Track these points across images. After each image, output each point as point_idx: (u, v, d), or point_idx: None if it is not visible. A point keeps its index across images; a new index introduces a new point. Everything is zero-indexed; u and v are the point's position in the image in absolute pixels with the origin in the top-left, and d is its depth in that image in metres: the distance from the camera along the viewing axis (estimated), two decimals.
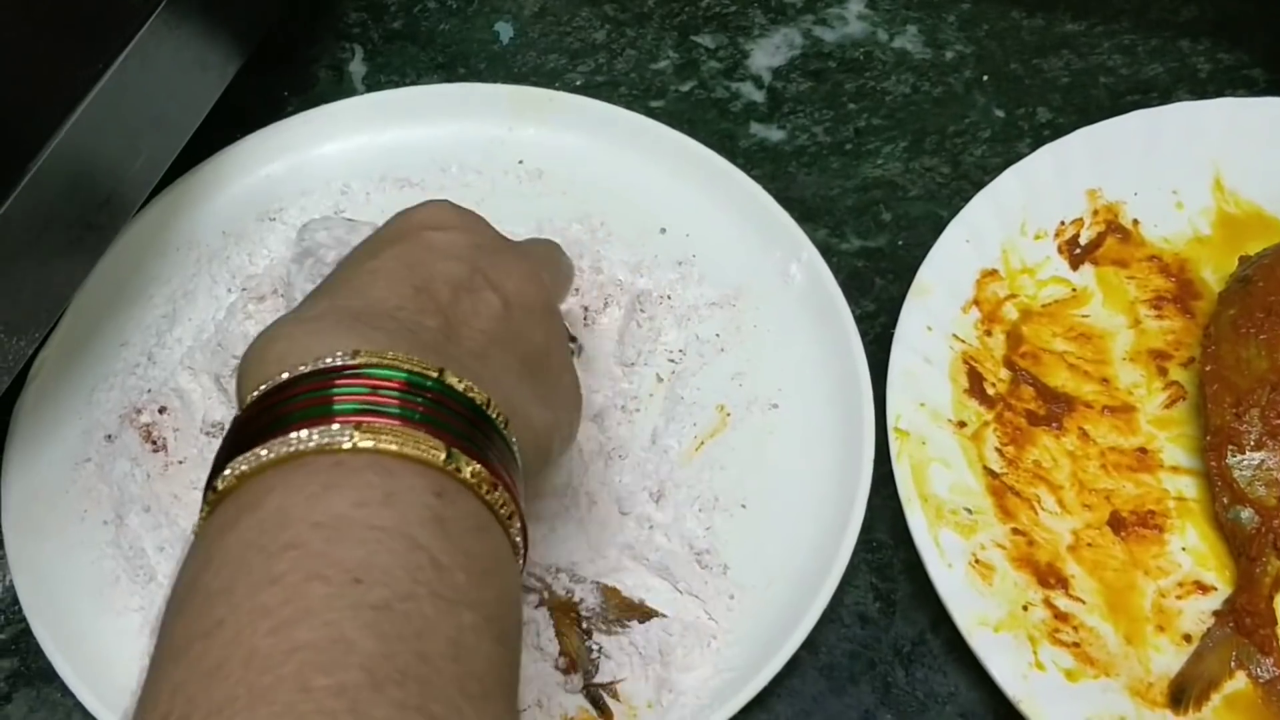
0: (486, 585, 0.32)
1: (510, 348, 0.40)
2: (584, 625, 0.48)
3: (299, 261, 0.53)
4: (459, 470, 0.33)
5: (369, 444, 0.32)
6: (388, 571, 0.30)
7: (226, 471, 0.32)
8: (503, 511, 0.34)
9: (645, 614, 0.49)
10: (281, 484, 0.32)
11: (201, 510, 0.34)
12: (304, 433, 0.32)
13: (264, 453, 0.32)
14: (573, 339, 0.46)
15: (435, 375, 0.34)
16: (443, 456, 0.32)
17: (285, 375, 0.34)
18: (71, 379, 0.53)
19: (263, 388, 0.34)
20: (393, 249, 0.40)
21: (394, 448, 0.32)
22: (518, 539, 0.35)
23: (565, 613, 0.48)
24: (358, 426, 0.32)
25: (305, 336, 0.35)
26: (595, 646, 0.48)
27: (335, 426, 0.32)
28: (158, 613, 0.48)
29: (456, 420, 0.34)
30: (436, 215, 0.42)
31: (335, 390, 0.33)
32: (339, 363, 0.33)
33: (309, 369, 0.34)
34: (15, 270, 0.46)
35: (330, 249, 0.52)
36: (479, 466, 0.33)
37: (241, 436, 0.33)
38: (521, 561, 0.36)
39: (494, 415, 0.35)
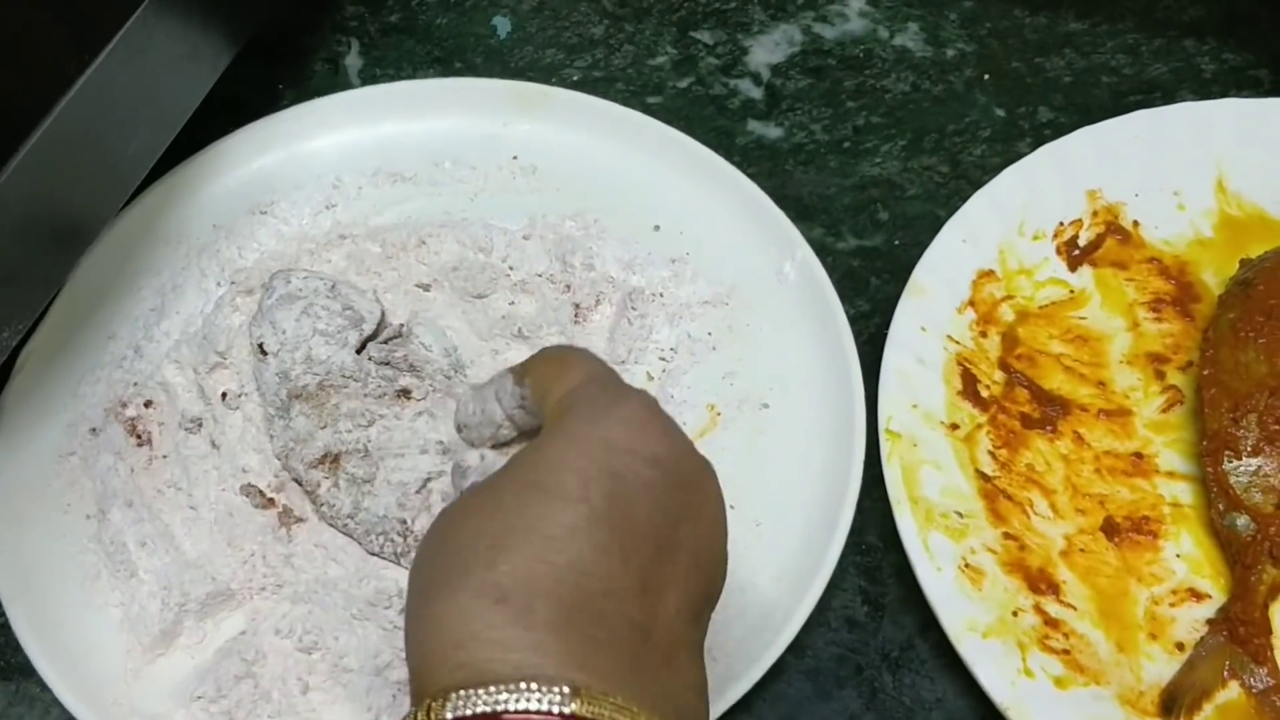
0: None
1: (696, 620, 0.35)
2: None
3: (286, 305, 0.51)
4: None
5: None
6: None
7: None
8: None
9: None
10: None
11: None
12: None
13: None
14: None
15: None
16: None
17: (480, 702, 0.30)
18: (58, 372, 0.53)
19: (465, 699, 0.30)
20: (600, 483, 0.33)
21: None
22: None
23: None
24: None
25: (516, 638, 0.31)
26: None
27: None
28: (139, 608, 0.48)
29: None
30: (640, 426, 0.35)
31: None
32: (556, 706, 0.30)
33: (514, 708, 0.30)
34: (2, 259, 0.45)
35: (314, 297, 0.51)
36: None
37: None
38: None
39: None
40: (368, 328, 0.52)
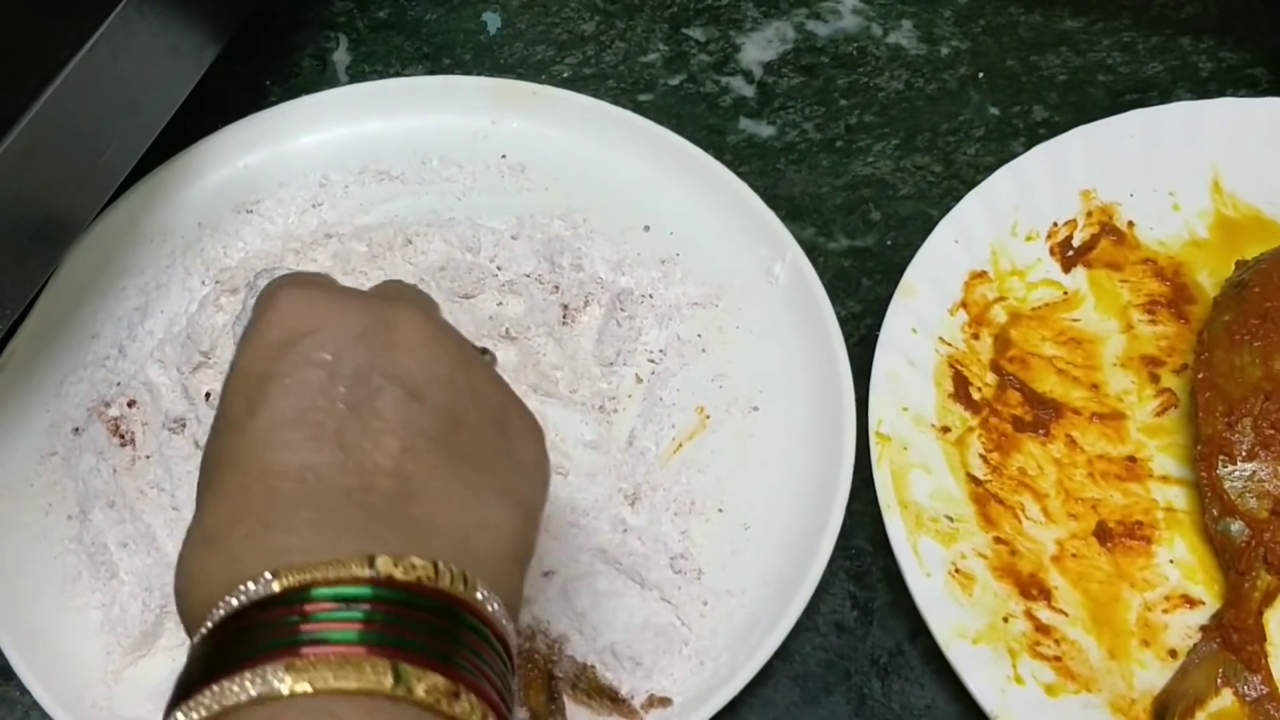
0: None
1: (441, 445, 0.34)
2: (553, 684, 0.47)
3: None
4: (410, 692, 0.29)
5: (304, 686, 0.28)
6: None
7: None
8: None
9: (613, 700, 0.46)
10: None
11: None
12: (235, 682, 0.28)
13: (195, 714, 0.29)
14: (483, 351, 0.39)
15: (366, 573, 0.30)
16: (389, 681, 0.29)
17: (208, 623, 0.30)
18: (40, 371, 0.53)
19: (196, 636, 0.31)
20: (266, 392, 0.34)
21: (332, 684, 0.28)
22: None
23: (537, 666, 0.47)
24: (289, 667, 0.28)
25: (218, 566, 0.31)
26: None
27: (267, 669, 0.28)
28: (120, 609, 0.47)
29: (404, 622, 0.30)
30: (290, 317, 0.35)
31: (259, 627, 0.30)
32: (259, 595, 0.30)
33: (225, 611, 0.30)
34: None
35: None
36: (436, 678, 0.29)
37: (179, 690, 0.30)
38: None
39: (447, 586, 0.31)
40: None
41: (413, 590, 0.30)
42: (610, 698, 0.46)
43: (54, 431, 0.52)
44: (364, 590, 0.30)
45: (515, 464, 0.36)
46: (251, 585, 0.30)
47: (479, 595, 0.32)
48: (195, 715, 0.28)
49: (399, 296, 0.37)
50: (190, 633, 0.32)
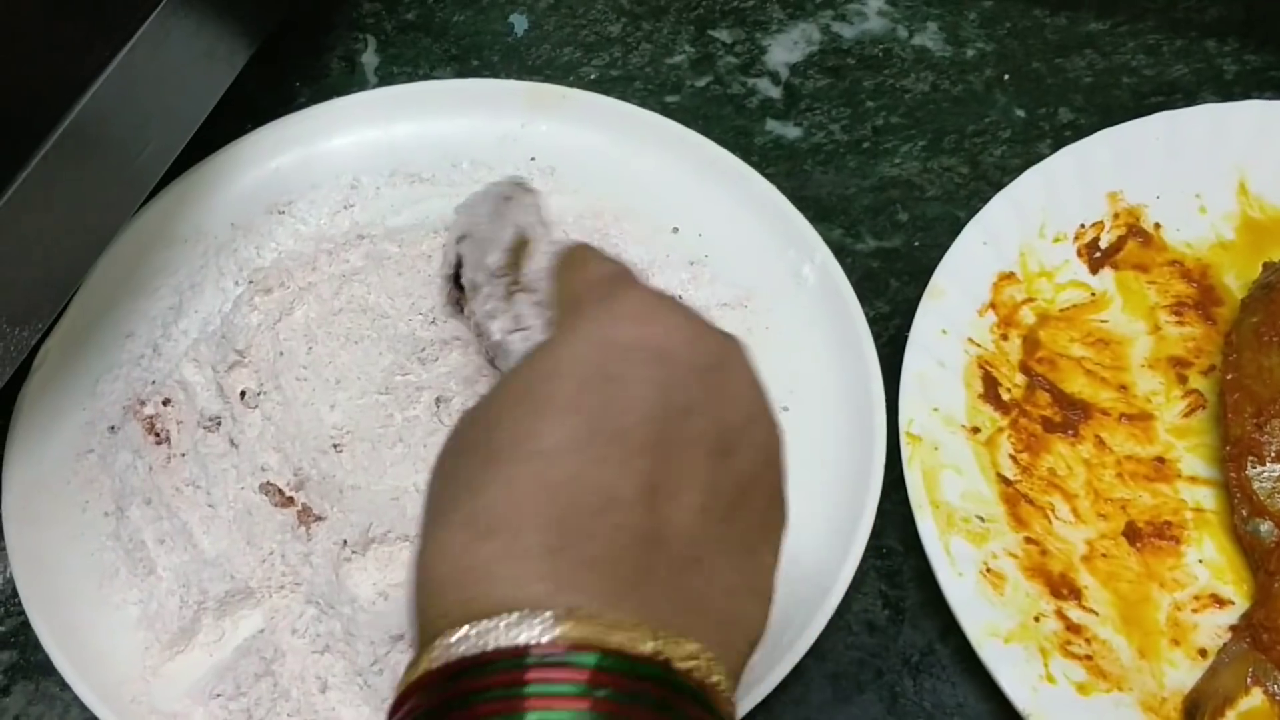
0: None
1: (729, 517, 0.32)
2: None
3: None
4: None
5: None
6: None
7: None
8: None
9: None
10: None
11: None
12: None
13: None
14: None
15: (659, 663, 0.28)
16: None
17: (465, 645, 0.28)
18: (76, 370, 0.53)
19: (449, 645, 0.29)
20: (593, 391, 0.31)
21: None
22: None
23: None
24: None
25: (490, 568, 0.29)
26: None
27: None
28: (157, 605, 0.48)
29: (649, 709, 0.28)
30: (642, 327, 0.32)
31: (530, 690, 0.27)
32: (540, 638, 0.28)
33: (500, 644, 0.28)
34: (19, 258, 0.45)
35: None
36: None
37: (426, 705, 0.28)
38: None
39: (696, 686, 0.29)
40: None
41: (683, 685, 0.29)
42: None
43: (90, 429, 0.52)
44: (644, 670, 0.28)
45: (773, 550, 0.34)
46: (540, 617, 0.28)
47: (723, 690, 0.30)
48: None
49: (733, 337, 0.34)
50: (428, 620, 0.30)
